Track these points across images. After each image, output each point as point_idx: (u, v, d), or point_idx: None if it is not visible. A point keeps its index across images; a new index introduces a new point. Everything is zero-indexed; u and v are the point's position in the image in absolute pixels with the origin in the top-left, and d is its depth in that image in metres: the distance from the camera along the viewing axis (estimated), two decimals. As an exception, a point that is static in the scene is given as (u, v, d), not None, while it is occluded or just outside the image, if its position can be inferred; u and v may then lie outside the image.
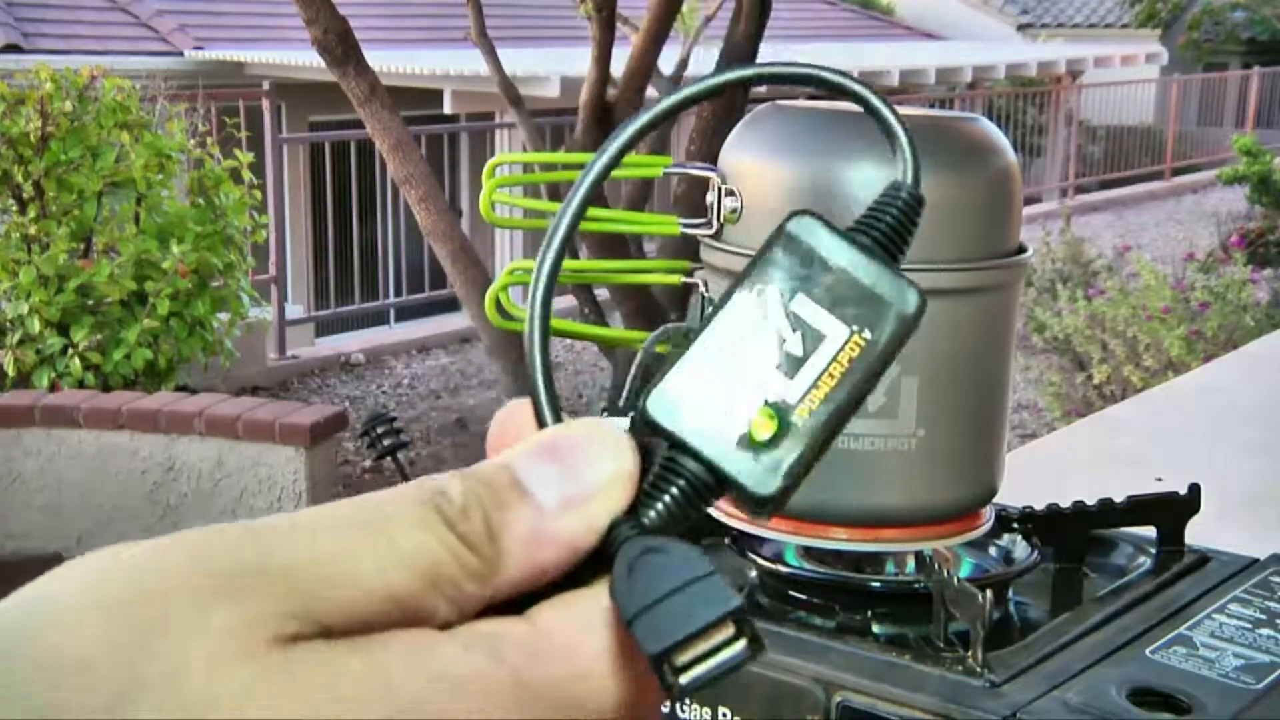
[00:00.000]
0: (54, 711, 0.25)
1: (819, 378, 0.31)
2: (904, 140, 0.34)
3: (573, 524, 0.29)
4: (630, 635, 0.28)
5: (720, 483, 0.31)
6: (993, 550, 0.78)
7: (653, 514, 0.30)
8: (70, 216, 4.75)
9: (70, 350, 4.59)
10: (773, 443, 0.30)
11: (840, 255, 0.32)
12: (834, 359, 0.31)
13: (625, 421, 0.31)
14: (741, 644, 0.28)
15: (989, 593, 0.61)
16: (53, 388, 4.51)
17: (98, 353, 4.62)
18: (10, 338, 4.58)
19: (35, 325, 4.54)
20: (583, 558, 0.29)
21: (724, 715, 0.62)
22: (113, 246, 4.79)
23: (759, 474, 0.30)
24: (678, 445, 0.31)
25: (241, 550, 0.27)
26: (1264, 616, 0.70)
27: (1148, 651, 0.66)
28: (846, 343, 0.31)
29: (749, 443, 0.31)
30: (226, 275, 4.97)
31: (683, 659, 0.28)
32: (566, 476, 0.29)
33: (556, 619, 0.28)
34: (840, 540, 0.68)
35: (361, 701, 0.26)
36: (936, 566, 0.66)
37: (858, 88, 0.34)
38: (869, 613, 0.70)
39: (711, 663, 0.28)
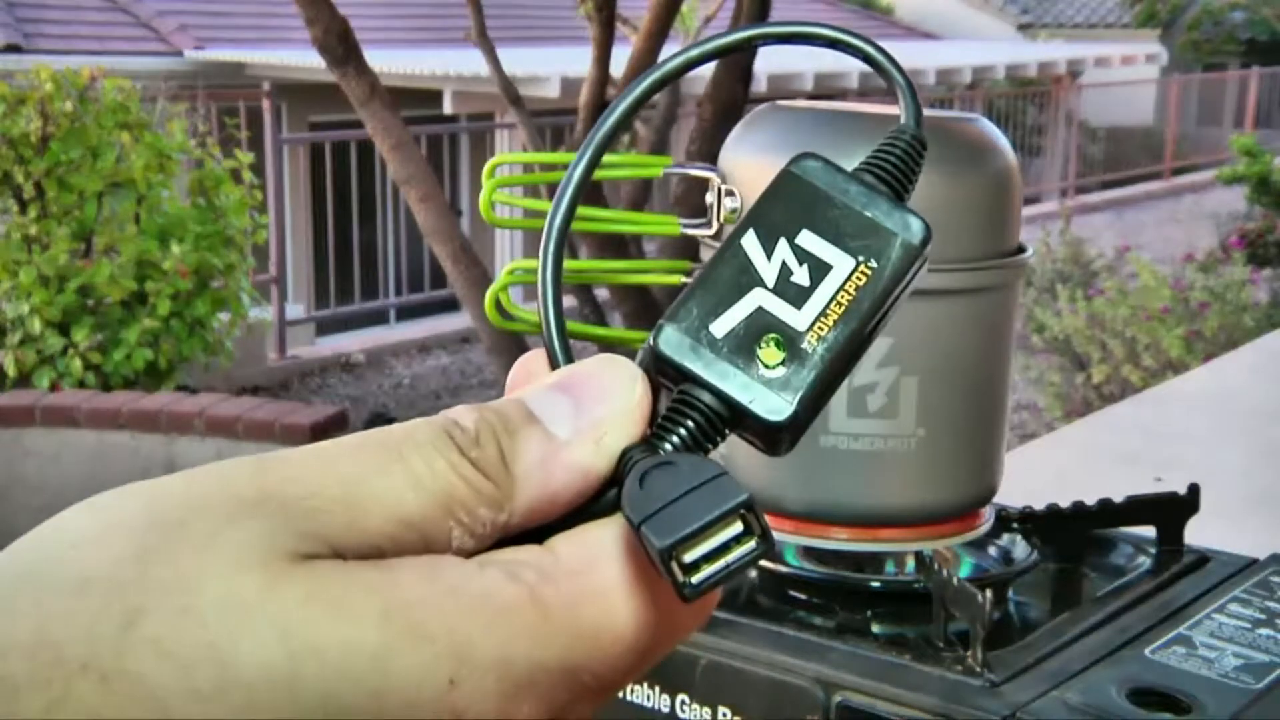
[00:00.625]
0: (70, 628, 0.25)
1: (826, 306, 0.31)
2: (903, 84, 0.34)
3: (585, 451, 0.29)
4: (641, 545, 0.28)
5: (734, 413, 0.31)
6: (993, 550, 0.78)
7: (667, 447, 0.30)
8: (71, 217, 4.76)
9: (71, 350, 4.59)
10: (783, 369, 0.31)
11: (844, 191, 0.33)
12: (840, 288, 0.31)
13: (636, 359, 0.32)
14: (753, 542, 0.28)
15: (989, 593, 0.61)
16: (53, 388, 4.51)
17: (98, 353, 4.62)
18: (11, 338, 4.59)
19: (36, 325, 4.54)
20: (596, 487, 0.30)
21: (724, 715, 0.62)
22: (113, 247, 4.79)
23: (771, 401, 0.30)
24: (690, 379, 0.31)
25: (260, 477, 0.27)
26: (1263, 616, 0.70)
27: (1147, 651, 0.67)
28: (853, 272, 0.31)
29: (759, 372, 0.31)
30: (227, 275, 4.97)
31: (692, 556, 0.27)
32: (579, 408, 0.30)
33: (572, 544, 0.29)
34: (840, 540, 0.68)
35: (374, 612, 0.26)
36: (936, 566, 0.66)
37: (855, 40, 0.34)
38: (869, 612, 0.70)
39: (722, 561, 0.27)
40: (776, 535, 0.71)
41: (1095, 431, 1.65)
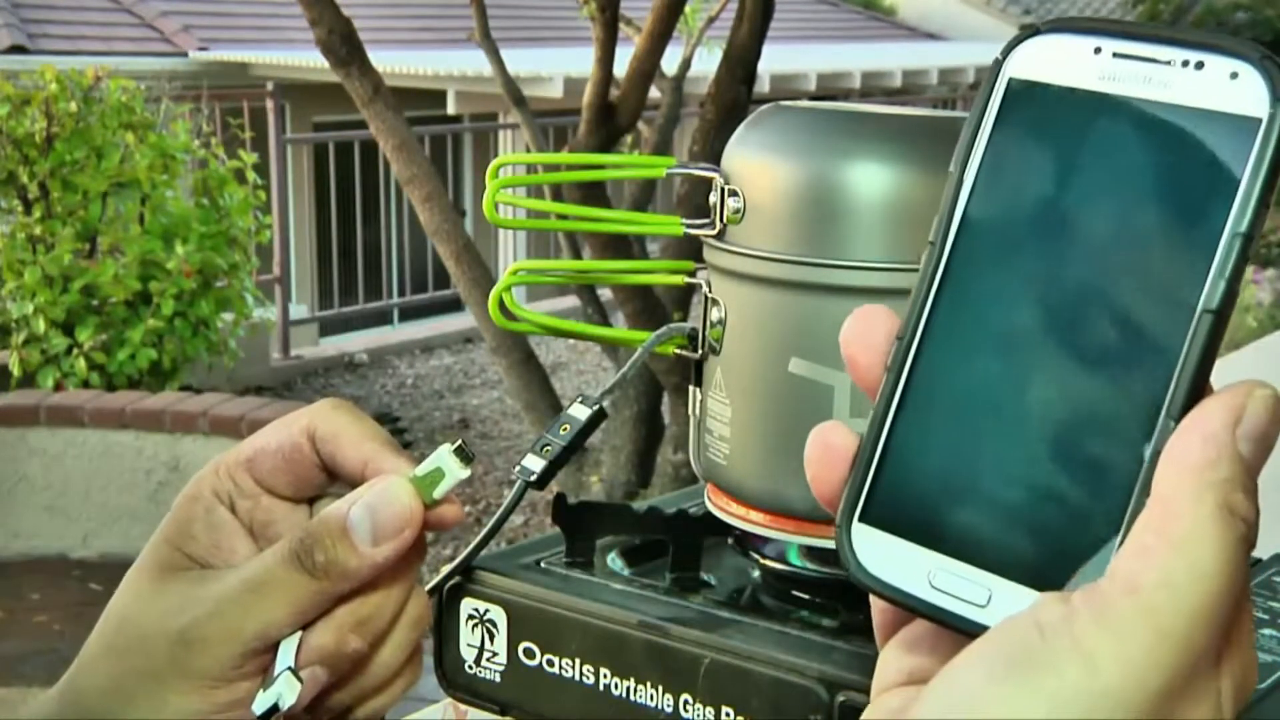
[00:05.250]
0: None
1: None
2: None
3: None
4: None
5: None
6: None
7: None
8: (75, 217, 4.76)
9: (75, 350, 4.60)
10: None
11: None
12: None
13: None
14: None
15: (991, 592, 0.61)
16: (58, 387, 4.52)
17: (102, 352, 4.63)
18: (16, 337, 4.60)
19: (40, 325, 4.55)
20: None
21: (727, 714, 0.62)
22: (117, 247, 4.80)
23: None
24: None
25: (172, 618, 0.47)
26: (1266, 616, 0.70)
27: (1150, 651, 0.66)
28: None
29: None
30: (231, 275, 4.98)
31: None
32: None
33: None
34: (843, 540, 0.68)
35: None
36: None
37: None
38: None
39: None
40: (780, 535, 0.71)
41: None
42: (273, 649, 0.46)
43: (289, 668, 0.45)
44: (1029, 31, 0.33)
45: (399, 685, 0.49)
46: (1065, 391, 0.31)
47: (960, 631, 0.31)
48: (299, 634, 0.46)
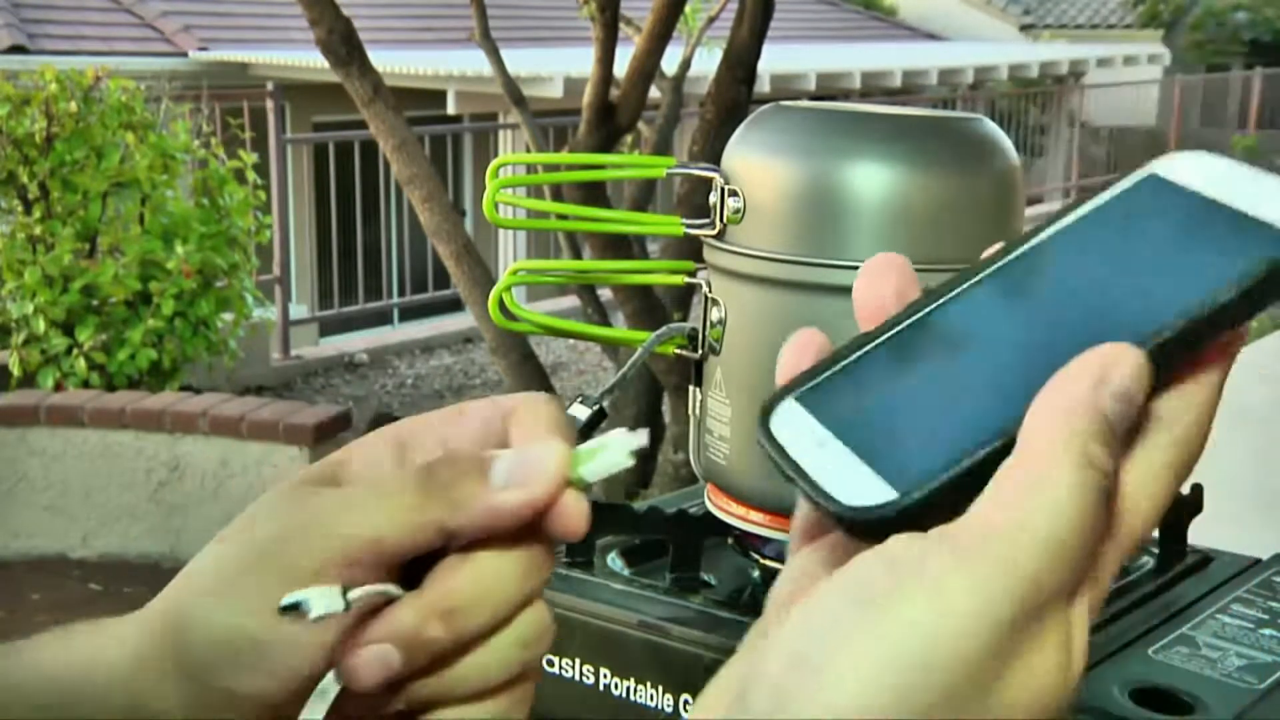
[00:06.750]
0: None
1: None
2: None
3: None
4: None
5: None
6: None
7: None
8: (75, 217, 4.76)
9: (75, 350, 4.60)
10: None
11: None
12: None
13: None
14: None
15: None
16: (58, 387, 4.52)
17: (102, 352, 4.63)
18: (16, 337, 4.60)
19: (40, 325, 4.55)
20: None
21: (727, 714, 0.62)
22: (117, 247, 4.79)
23: None
24: None
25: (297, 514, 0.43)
26: (1266, 616, 0.70)
27: (1150, 651, 0.67)
28: None
29: None
30: (231, 275, 4.97)
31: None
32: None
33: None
34: (843, 540, 0.68)
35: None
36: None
37: None
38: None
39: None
40: (780, 535, 0.71)
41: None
42: (361, 568, 0.41)
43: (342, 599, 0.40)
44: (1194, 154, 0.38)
45: (492, 706, 0.44)
46: (1015, 364, 0.35)
47: (825, 512, 0.34)
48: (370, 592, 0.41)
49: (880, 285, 0.38)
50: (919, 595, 0.31)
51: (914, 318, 0.37)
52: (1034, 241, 0.38)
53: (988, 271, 0.38)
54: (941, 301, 0.37)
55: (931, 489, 0.33)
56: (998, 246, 0.38)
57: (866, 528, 0.33)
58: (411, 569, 0.42)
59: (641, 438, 0.42)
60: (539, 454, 0.42)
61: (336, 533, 0.41)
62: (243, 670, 0.41)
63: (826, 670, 0.31)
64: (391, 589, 0.41)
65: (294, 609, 0.39)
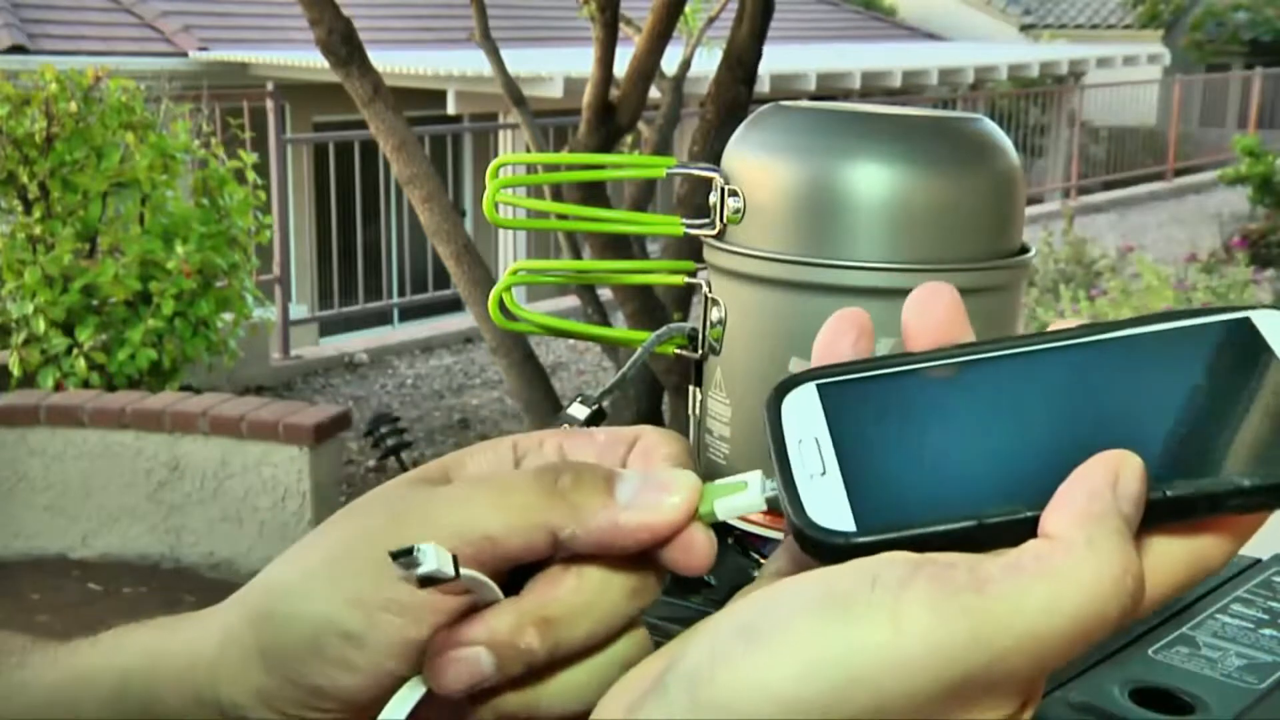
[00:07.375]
0: None
1: None
2: None
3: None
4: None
5: None
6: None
7: None
8: (75, 217, 4.76)
9: (75, 350, 4.60)
10: None
11: None
12: None
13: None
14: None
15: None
16: (58, 387, 4.52)
17: (102, 352, 4.63)
18: (16, 337, 4.60)
19: (40, 325, 4.55)
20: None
21: (727, 714, 0.62)
22: (117, 247, 4.80)
23: None
24: None
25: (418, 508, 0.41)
26: (1267, 616, 0.70)
27: (1150, 651, 0.67)
28: None
29: None
30: (231, 275, 4.98)
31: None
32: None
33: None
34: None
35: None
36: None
37: None
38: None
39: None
40: (780, 535, 0.71)
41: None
42: (469, 565, 0.38)
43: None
44: None
45: None
46: (1032, 454, 0.35)
47: (785, 515, 0.34)
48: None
49: (934, 309, 0.38)
50: (884, 619, 0.30)
51: (963, 358, 0.36)
52: (1110, 335, 0.37)
53: (1054, 345, 0.37)
54: (999, 354, 0.36)
55: (888, 539, 0.33)
56: (1077, 323, 0.37)
57: (814, 546, 0.33)
58: (514, 579, 0.40)
59: (775, 487, 0.38)
60: (670, 479, 0.40)
61: (447, 525, 0.39)
62: (329, 665, 0.39)
63: (770, 642, 0.31)
64: (494, 587, 0.39)
65: (406, 555, 0.36)
